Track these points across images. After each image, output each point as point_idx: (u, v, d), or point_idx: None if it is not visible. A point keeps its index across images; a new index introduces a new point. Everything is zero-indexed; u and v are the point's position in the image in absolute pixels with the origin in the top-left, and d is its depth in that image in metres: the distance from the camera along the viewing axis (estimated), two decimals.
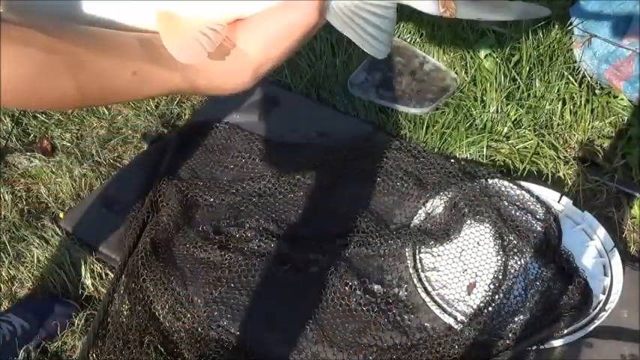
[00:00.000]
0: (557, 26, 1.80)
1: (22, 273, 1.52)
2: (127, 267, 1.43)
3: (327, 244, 1.45)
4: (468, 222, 1.47)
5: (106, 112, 1.96)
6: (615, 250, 1.39)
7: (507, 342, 1.26)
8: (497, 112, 1.69)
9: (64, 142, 1.86)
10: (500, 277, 1.35)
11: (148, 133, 1.84)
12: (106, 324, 1.36)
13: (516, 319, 1.29)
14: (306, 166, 1.62)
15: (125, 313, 1.38)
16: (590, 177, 1.55)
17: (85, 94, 0.46)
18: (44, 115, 1.96)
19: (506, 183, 1.51)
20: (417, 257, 1.44)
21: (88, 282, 1.49)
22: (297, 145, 1.68)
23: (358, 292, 1.39)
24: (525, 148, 1.63)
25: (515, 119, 1.68)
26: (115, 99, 0.54)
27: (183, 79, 0.49)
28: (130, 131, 1.87)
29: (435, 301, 1.35)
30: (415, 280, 1.39)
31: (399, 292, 1.40)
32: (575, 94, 1.69)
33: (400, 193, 1.55)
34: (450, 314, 1.33)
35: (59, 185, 1.71)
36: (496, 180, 1.51)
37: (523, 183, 1.51)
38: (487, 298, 1.33)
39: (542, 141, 1.63)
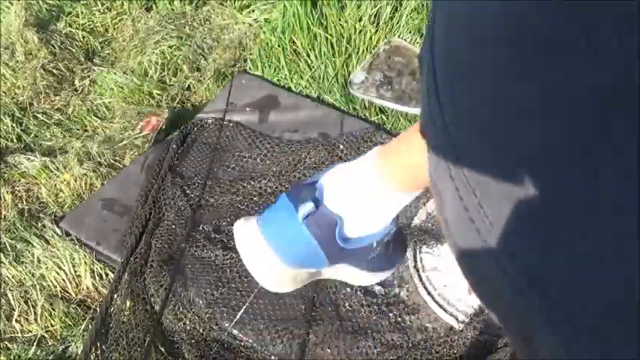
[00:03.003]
0: None
1: (22, 273, 1.52)
2: (129, 266, 1.43)
3: None
4: None
5: (107, 112, 1.96)
6: None
7: (507, 341, 1.26)
8: None
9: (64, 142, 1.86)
10: None
11: (149, 132, 1.84)
12: (107, 323, 1.36)
13: None
14: (306, 165, 1.62)
15: (126, 312, 1.38)
16: None
17: None
18: (44, 115, 1.96)
19: None
20: (418, 257, 1.44)
21: (88, 282, 1.48)
22: (297, 144, 1.68)
23: (359, 292, 1.39)
24: None
25: None
26: None
27: None
28: (130, 131, 1.86)
29: (436, 302, 1.35)
30: (416, 281, 1.39)
31: (400, 292, 1.39)
32: None
33: None
34: (451, 314, 1.33)
35: (59, 185, 1.71)
36: None
37: None
38: None
39: None
